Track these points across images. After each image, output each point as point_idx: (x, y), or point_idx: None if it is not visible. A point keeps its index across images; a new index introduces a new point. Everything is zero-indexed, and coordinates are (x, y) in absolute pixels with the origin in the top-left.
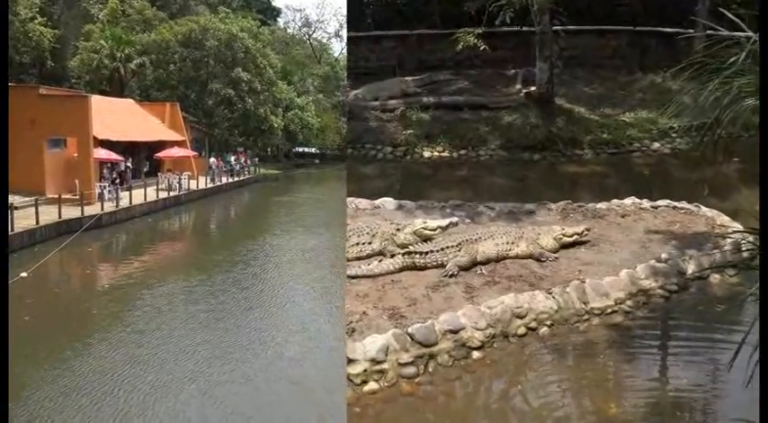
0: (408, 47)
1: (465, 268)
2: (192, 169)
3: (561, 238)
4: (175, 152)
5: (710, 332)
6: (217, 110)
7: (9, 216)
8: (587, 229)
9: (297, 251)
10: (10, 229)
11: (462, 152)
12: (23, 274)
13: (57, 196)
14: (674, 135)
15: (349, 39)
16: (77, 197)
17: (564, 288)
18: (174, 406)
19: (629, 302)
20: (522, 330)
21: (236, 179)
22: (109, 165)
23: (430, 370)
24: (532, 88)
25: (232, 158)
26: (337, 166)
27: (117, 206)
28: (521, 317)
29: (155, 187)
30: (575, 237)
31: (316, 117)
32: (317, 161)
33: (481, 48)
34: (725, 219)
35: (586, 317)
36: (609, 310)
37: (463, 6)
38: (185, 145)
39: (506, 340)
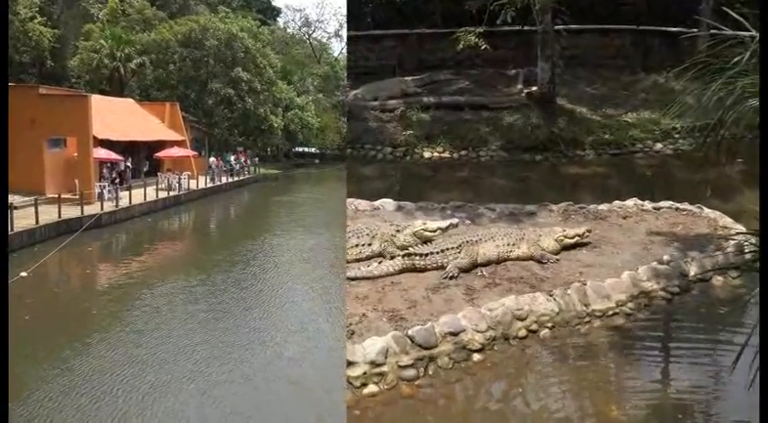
0: (408, 46)
1: (465, 270)
2: (191, 169)
3: (562, 240)
4: (175, 152)
5: (713, 334)
6: (217, 109)
7: (9, 216)
8: (588, 231)
9: (296, 251)
10: (10, 229)
11: (463, 153)
12: (23, 274)
13: (56, 196)
14: (676, 136)
15: (349, 38)
16: (77, 197)
17: (565, 290)
18: (173, 406)
19: (630, 304)
20: (522, 332)
21: (235, 179)
22: (109, 164)
23: (430, 372)
24: (534, 88)
25: (232, 158)
26: (337, 165)
27: (117, 206)
28: (521, 319)
29: (154, 187)
30: (576, 238)
31: (315, 117)
32: (316, 161)
33: (482, 47)
34: (727, 220)
35: (588, 319)
36: (610, 312)
37: (464, 5)
38: (185, 145)
39: (507, 342)
